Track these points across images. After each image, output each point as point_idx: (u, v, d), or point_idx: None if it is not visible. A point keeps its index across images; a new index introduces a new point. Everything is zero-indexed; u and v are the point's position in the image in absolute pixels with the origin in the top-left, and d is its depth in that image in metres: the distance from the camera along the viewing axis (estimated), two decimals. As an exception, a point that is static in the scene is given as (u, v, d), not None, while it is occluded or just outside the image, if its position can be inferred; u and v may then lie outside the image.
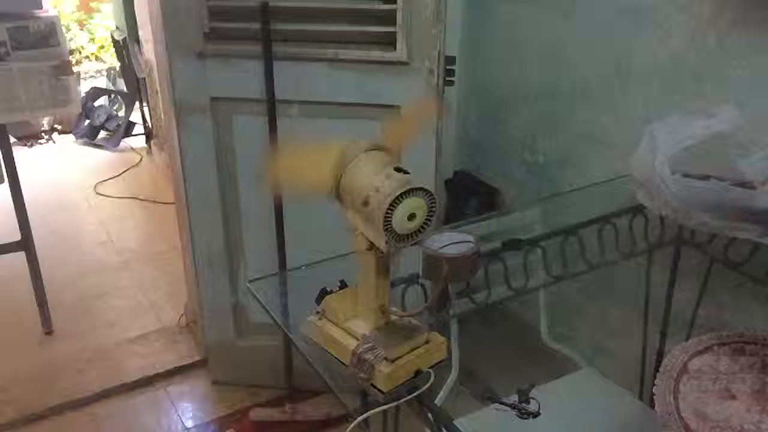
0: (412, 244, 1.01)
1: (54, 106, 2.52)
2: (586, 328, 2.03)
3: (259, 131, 2.01)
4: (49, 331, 2.74)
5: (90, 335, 2.73)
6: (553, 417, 1.55)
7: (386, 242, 0.99)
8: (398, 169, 1.00)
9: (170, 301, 2.93)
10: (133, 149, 4.45)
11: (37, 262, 2.70)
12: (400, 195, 0.96)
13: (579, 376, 1.80)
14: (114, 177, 4.07)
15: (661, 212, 1.49)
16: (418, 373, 1.07)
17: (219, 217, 2.16)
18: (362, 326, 1.11)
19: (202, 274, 2.25)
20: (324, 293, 1.17)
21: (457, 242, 1.41)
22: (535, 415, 1.03)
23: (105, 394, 2.39)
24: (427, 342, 1.10)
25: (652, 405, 1.84)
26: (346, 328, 1.12)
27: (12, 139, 4.85)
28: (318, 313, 1.17)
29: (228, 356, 2.39)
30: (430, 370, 1.08)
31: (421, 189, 0.97)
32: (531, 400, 1.06)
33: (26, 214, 2.64)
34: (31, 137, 4.93)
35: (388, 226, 0.97)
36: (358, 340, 1.09)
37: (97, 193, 3.89)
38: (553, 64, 2.12)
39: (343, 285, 1.19)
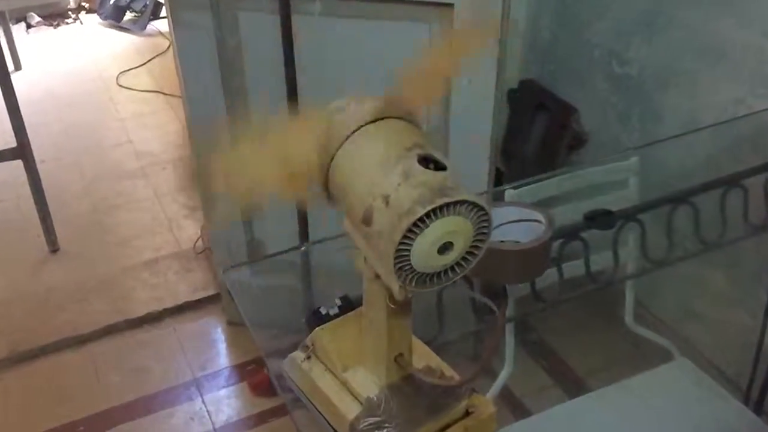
0: (442, 287, 0.60)
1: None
2: (680, 312, 1.62)
3: (272, 33, 1.57)
4: (54, 249, 2.46)
5: (98, 256, 2.44)
6: (641, 415, 1.20)
7: (400, 287, 0.58)
8: (425, 159, 0.57)
9: (190, 217, 2.60)
10: (161, 33, 4.01)
11: (37, 172, 2.38)
12: (428, 213, 0.54)
13: (672, 369, 1.40)
14: (138, 66, 3.67)
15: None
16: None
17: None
18: (368, 381, 0.73)
19: (212, 207, 1.89)
20: (316, 318, 0.79)
21: (520, 220, 1.00)
22: None
23: (107, 331, 2.11)
24: (467, 413, 0.71)
25: (758, 412, 1.46)
26: (345, 381, 0.74)
27: (36, 19, 4.53)
28: (306, 347, 0.78)
29: (244, 295, 2.06)
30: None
31: (464, 203, 0.55)
32: None
33: (21, 118, 2.29)
34: (57, 16, 4.54)
35: (404, 262, 0.56)
36: (361, 403, 0.71)
37: (119, 85, 3.52)
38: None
39: (345, 303, 0.79)
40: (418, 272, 0.57)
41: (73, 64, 3.78)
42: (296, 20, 1.55)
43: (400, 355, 0.70)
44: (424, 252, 0.55)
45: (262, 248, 1.96)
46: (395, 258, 0.55)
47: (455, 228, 0.55)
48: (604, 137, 1.91)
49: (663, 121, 1.72)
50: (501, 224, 0.99)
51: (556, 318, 1.79)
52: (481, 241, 0.58)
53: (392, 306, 0.62)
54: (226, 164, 0.71)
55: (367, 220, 0.57)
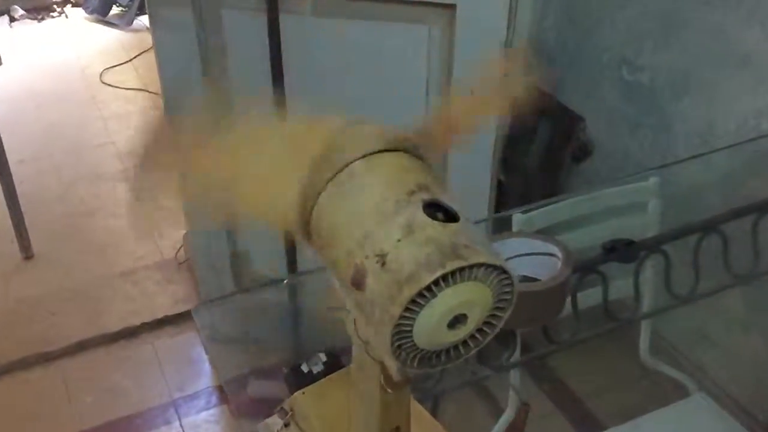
0: (450, 365, 0.48)
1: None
2: (697, 339, 1.50)
3: (258, 33, 1.46)
4: (27, 256, 2.33)
5: (75, 263, 2.31)
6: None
7: (398, 370, 0.46)
8: (432, 206, 0.45)
9: (173, 224, 2.46)
10: (147, 29, 3.88)
11: (10, 174, 2.26)
12: (437, 280, 0.42)
13: (689, 405, 1.29)
14: (123, 63, 3.54)
15: None
16: None
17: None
18: (358, 459, 0.60)
19: (192, 216, 1.77)
20: (297, 377, 0.67)
21: (533, 253, 0.88)
22: None
23: (80, 347, 1.99)
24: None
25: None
26: (330, 458, 0.61)
27: (20, 12, 4.38)
28: (284, 412, 0.66)
29: (226, 310, 1.94)
30: None
31: (482, 266, 0.43)
32: None
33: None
34: (42, 9, 4.39)
35: (405, 339, 0.44)
36: (348, 486, 0.59)
37: (103, 83, 3.38)
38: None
39: (331, 361, 0.67)
40: (422, 350, 0.45)
41: (56, 60, 3.64)
42: (284, 20, 1.44)
43: (396, 429, 0.59)
44: (430, 327, 0.43)
45: (246, 260, 1.85)
46: (393, 334, 0.43)
47: (470, 297, 0.43)
48: (612, 148, 1.80)
49: (676, 132, 1.61)
50: (510, 257, 0.87)
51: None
52: (502, 309, 0.46)
53: (388, 390, 0.50)
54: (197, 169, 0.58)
55: (357, 283, 0.45)
